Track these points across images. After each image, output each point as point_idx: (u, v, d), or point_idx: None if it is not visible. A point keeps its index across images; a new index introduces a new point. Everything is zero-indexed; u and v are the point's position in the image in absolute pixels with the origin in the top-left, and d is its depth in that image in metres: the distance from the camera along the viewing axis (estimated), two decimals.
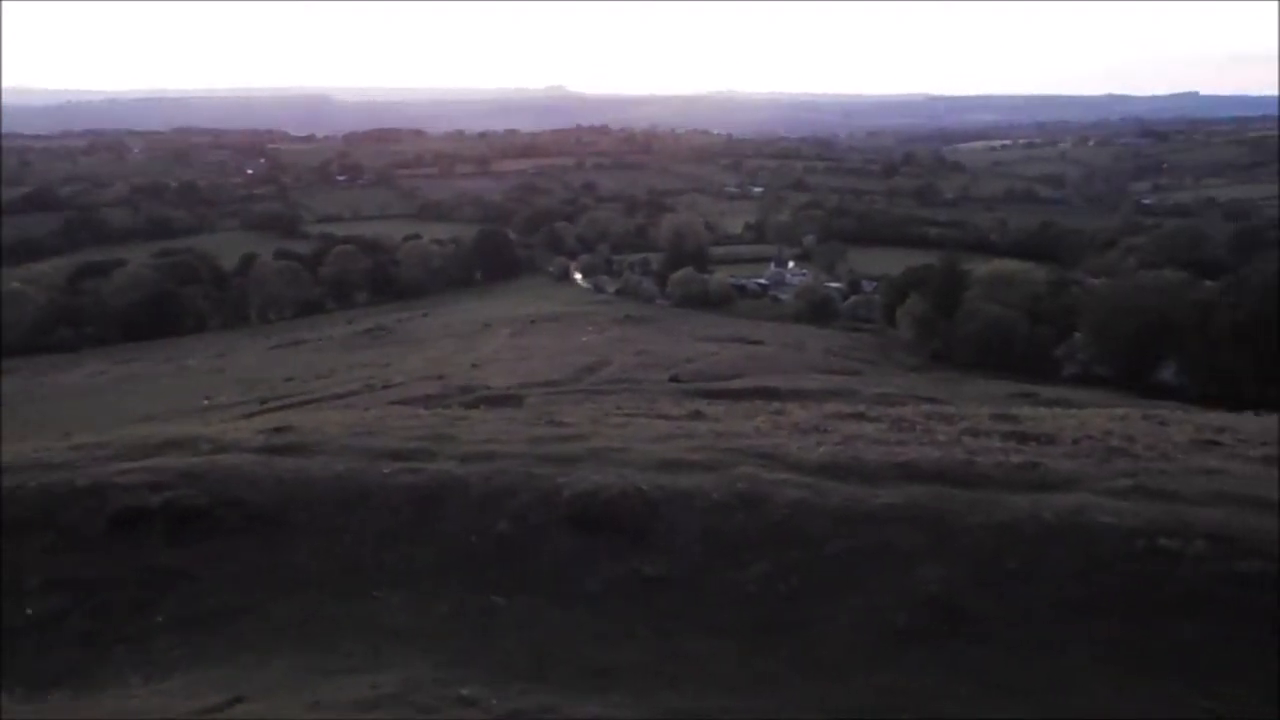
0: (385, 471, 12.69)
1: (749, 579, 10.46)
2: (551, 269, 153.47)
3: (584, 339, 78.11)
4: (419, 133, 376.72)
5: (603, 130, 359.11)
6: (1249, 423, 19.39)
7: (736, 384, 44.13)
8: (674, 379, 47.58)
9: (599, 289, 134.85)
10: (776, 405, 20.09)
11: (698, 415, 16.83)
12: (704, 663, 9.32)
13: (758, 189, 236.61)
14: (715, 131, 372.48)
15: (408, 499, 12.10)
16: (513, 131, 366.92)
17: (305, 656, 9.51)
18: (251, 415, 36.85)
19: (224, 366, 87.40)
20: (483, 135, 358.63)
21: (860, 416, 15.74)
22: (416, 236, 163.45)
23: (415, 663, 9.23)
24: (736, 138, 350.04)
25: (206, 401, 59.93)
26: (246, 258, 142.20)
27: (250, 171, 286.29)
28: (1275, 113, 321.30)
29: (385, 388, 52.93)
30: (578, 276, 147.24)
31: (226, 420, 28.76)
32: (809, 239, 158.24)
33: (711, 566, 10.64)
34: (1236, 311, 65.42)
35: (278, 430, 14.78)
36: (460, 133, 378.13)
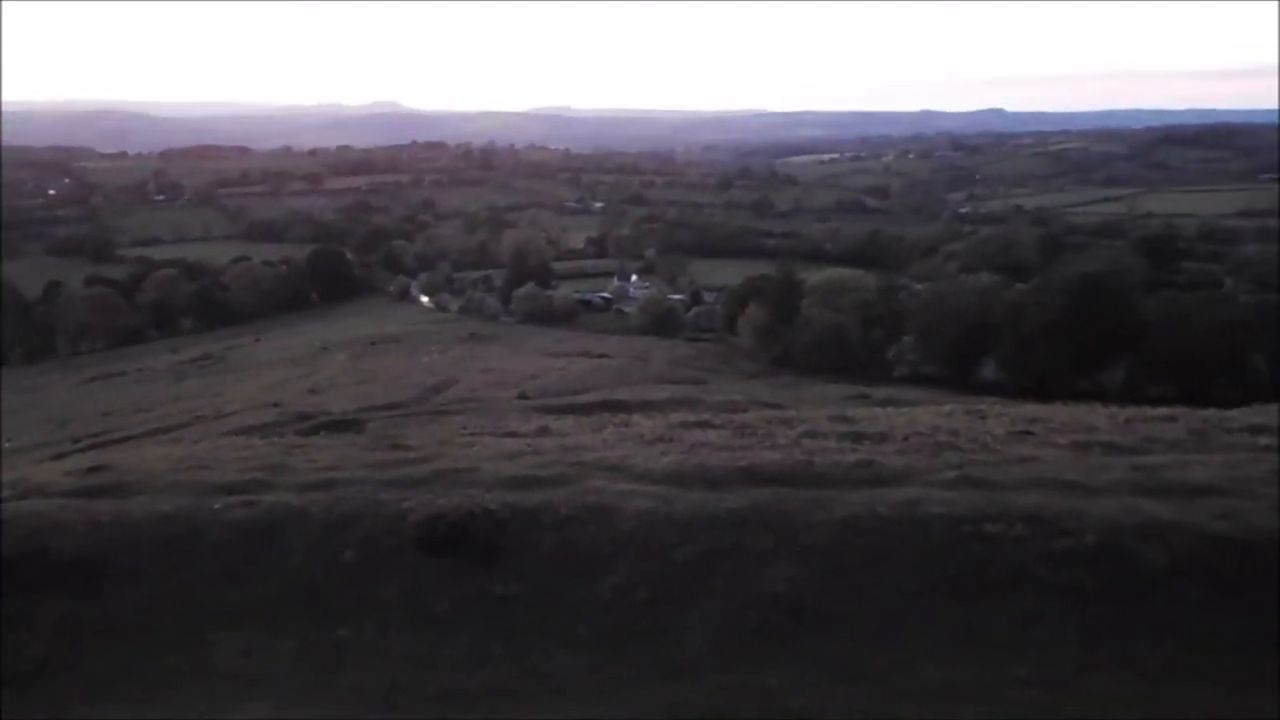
0: (216, 507, 12.02)
1: (602, 590, 10.50)
2: (391, 289, 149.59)
3: (427, 359, 76.61)
4: (243, 149, 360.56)
5: (439, 146, 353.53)
6: (1059, 412, 20.95)
7: (584, 398, 44.32)
8: (522, 396, 47.32)
9: (442, 308, 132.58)
10: (623, 417, 20.28)
11: (545, 431, 16.78)
12: (559, 677, 9.29)
13: (598, 204, 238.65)
14: (553, 147, 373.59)
15: (243, 534, 11.52)
16: (345, 148, 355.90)
17: (129, 710, 8.88)
18: (62, 456, 34.23)
19: (29, 404, 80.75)
20: (313, 152, 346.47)
21: (705, 424, 16.09)
22: (246, 258, 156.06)
23: (255, 706, 8.79)
24: (574, 153, 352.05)
25: (8, 443, 55.14)
26: (51, 284, 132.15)
27: (53, 191, 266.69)
28: (1072, 127, 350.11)
29: (216, 419, 50.30)
30: (419, 296, 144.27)
31: (32, 463, 26.57)
32: (650, 252, 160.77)
33: (564, 581, 10.62)
34: (1045, 310, 70.62)
35: (92, 470, 13.77)
36: (288, 149, 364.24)
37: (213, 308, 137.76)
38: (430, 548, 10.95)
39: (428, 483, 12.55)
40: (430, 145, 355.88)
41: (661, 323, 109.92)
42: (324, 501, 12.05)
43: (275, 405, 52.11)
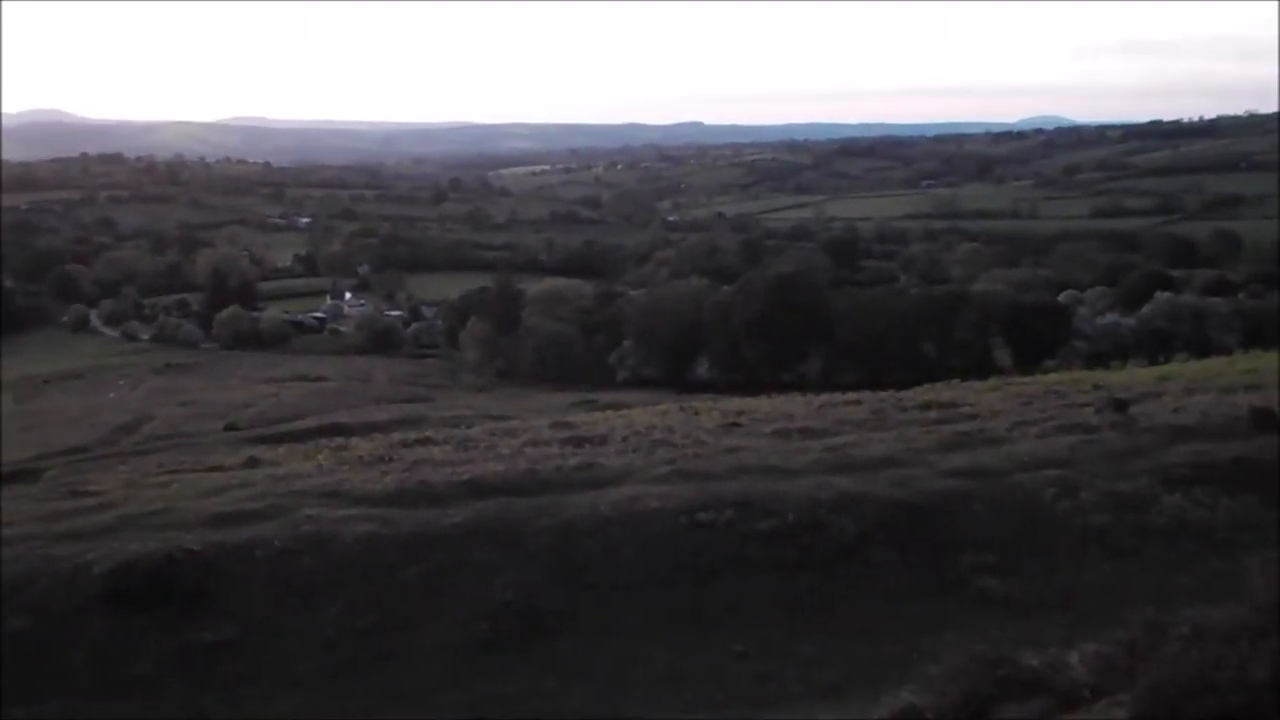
0: None
1: (325, 622, 10.02)
2: (66, 319, 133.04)
3: (115, 395, 69.24)
4: None
5: (116, 159, 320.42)
6: (763, 404, 22.61)
7: (301, 425, 41.98)
8: (229, 427, 44.03)
9: (130, 337, 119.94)
10: (342, 441, 19.46)
11: (254, 462, 15.75)
12: None
13: (305, 219, 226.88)
14: (251, 160, 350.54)
15: None
16: None
17: None
18: None
19: None
20: None
21: (427, 441, 15.81)
22: None
23: None
24: (276, 166, 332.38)
25: None
26: None
27: None
28: (763, 140, 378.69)
29: None
30: (101, 326, 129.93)
31: None
32: (364, 268, 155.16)
33: (283, 618, 10.02)
34: (748, 310, 75.75)
35: None
36: None
37: None
38: (122, 601, 9.90)
39: (114, 530, 11.37)
40: (105, 158, 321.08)
41: (381, 341, 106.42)
42: None
43: None
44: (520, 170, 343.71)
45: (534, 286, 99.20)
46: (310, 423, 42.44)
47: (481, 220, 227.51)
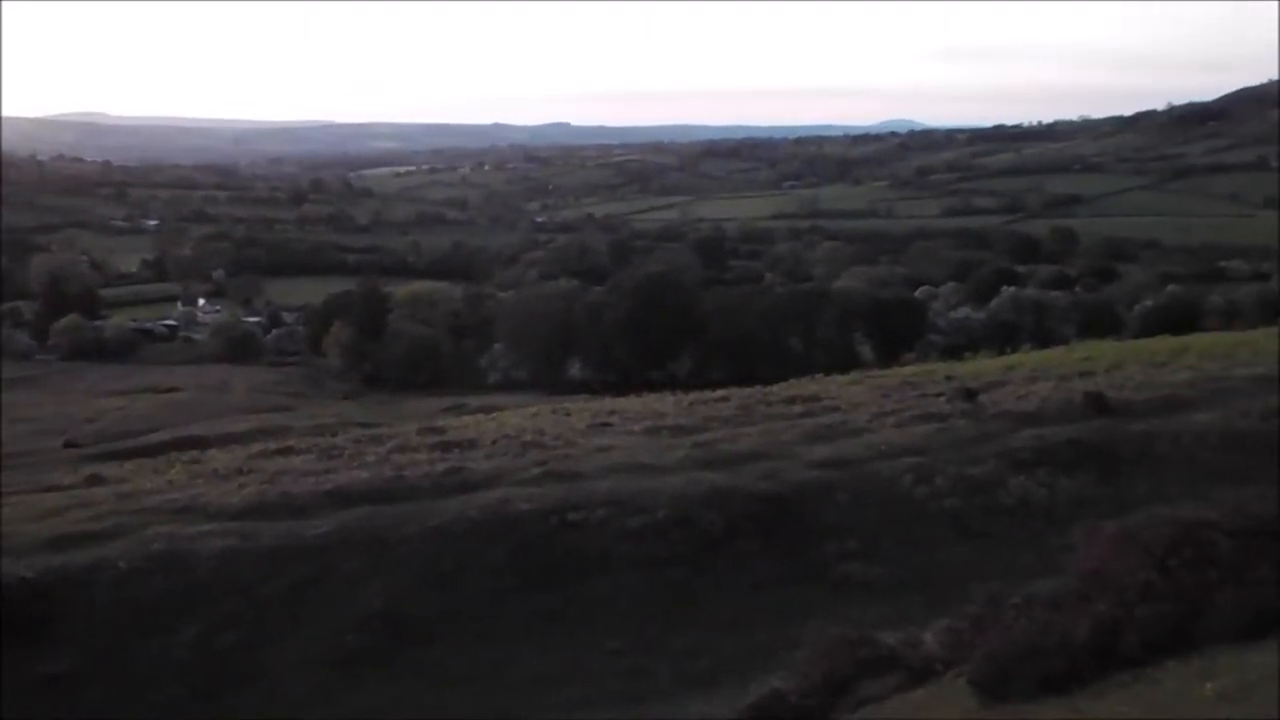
0: None
1: (180, 645, 9.55)
2: None
3: None
4: None
5: None
6: (634, 403, 22.76)
7: (152, 439, 39.77)
8: (70, 444, 41.34)
9: None
10: (196, 454, 18.54)
11: (96, 480, 14.83)
12: None
13: (152, 222, 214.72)
14: (89, 159, 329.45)
15: None
16: None
17: None
18: None
19: None
20: None
21: (288, 451, 15.25)
22: None
23: None
24: (117, 165, 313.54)
25: None
26: None
27: None
28: (630, 141, 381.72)
29: None
30: None
31: None
32: (219, 273, 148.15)
33: (131, 643, 9.49)
34: (619, 310, 76.19)
35: None
36: None
37: None
38: None
39: None
40: None
41: (239, 348, 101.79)
42: None
43: None
44: (384, 171, 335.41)
45: (400, 289, 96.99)
46: (162, 436, 40.27)
47: (344, 222, 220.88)
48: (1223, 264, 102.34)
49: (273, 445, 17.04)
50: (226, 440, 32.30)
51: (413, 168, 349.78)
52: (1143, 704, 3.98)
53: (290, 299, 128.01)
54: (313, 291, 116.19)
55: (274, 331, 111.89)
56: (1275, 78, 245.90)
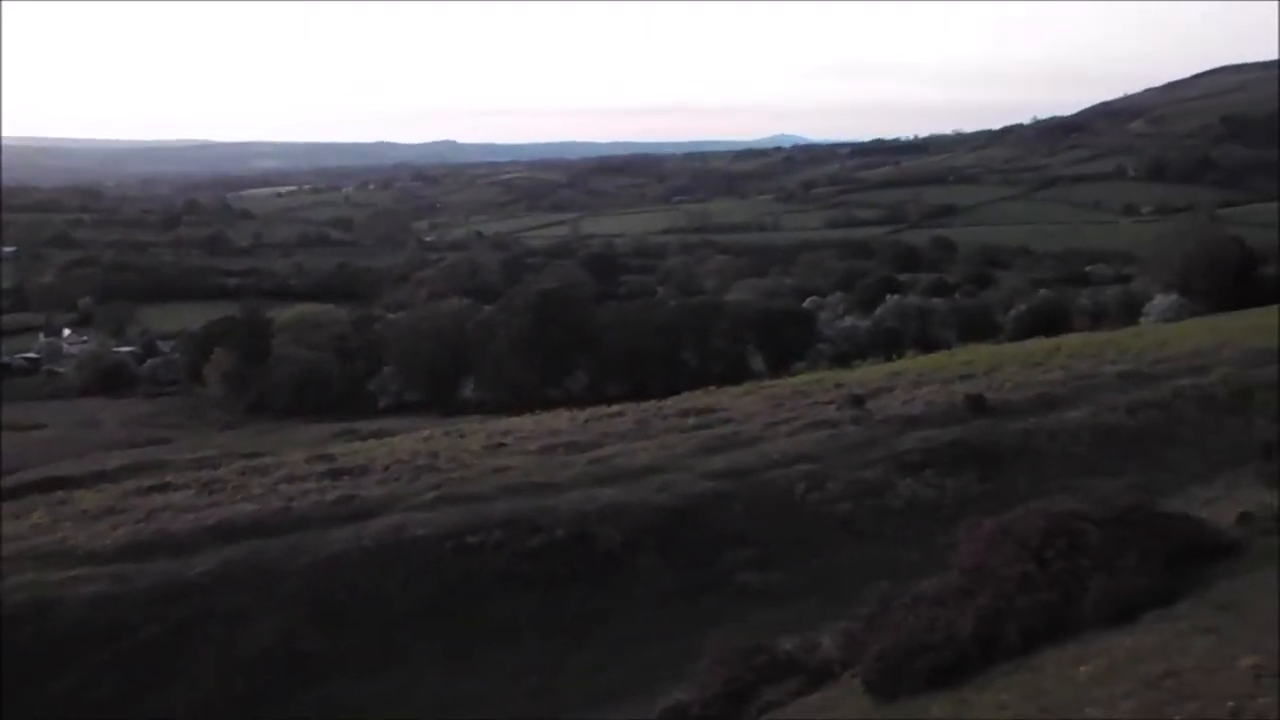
0: None
1: (52, 698, 9.00)
2: None
3: None
4: None
5: None
6: (529, 422, 22.60)
7: (11, 480, 37.38)
8: None
9: None
10: (63, 495, 17.49)
11: None
12: None
13: (8, 249, 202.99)
14: None
15: None
16: None
17: None
18: None
19: None
20: None
21: (165, 487, 14.55)
22: None
23: None
24: None
25: None
26: None
27: None
28: (519, 158, 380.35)
29: None
30: None
31: None
32: (86, 300, 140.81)
33: None
34: (512, 328, 75.59)
35: None
36: None
37: None
38: None
39: None
40: None
41: (109, 380, 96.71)
42: None
43: None
44: (264, 191, 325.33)
45: (284, 313, 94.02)
46: (25, 477, 37.87)
47: (222, 245, 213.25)
48: (1088, 268, 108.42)
49: (148, 481, 16.22)
50: (97, 479, 30.57)
51: (295, 187, 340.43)
52: (1023, 691, 4.14)
53: (166, 326, 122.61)
54: (190, 317, 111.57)
55: (149, 361, 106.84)
56: (1130, 93, 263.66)
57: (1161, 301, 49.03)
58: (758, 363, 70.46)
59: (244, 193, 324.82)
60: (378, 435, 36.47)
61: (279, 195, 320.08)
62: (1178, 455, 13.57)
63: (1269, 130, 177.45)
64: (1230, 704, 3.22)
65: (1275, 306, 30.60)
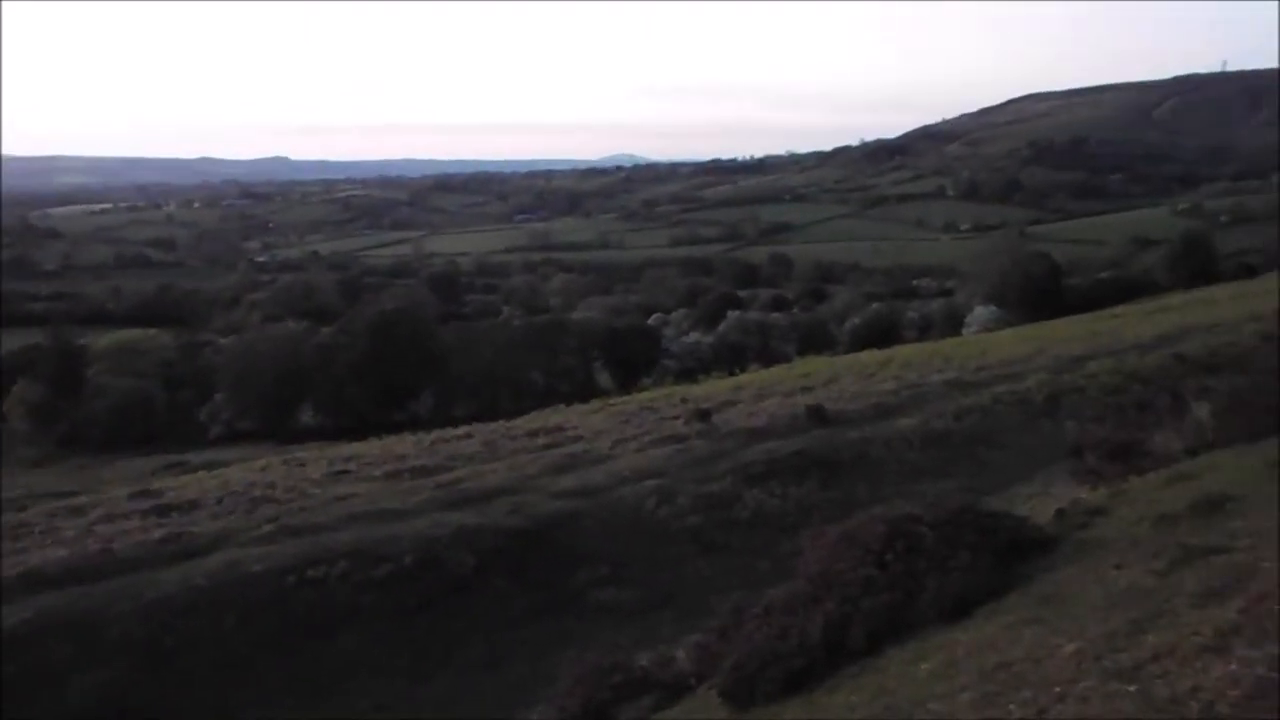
0: None
1: None
2: None
3: None
4: None
5: None
6: (373, 447, 21.91)
7: None
8: None
9: None
10: None
11: None
12: None
13: None
14: None
15: None
16: None
17: None
18: None
19: None
20: None
21: None
22: None
23: None
24: None
25: None
26: None
27: None
28: (355, 175, 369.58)
29: None
30: None
31: None
32: None
33: None
34: (352, 350, 73.18)
35: None
36: None
37: None
38: None
39: None
40: None
41: None
42: None
43: None
44: (75, 209, 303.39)
45: (100, 339, 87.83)
46: None
47: (27, 267, 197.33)
48: (915, 282, 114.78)
49: None
50: None
51: (109, 205, 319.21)
52: (870, 691, 4.31)
53: None
54: None
55: None
56: (948, 117, 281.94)
57: (981, 313, 52.44)
58: (605, 380, 70.92)
59: (51, 211, 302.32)
60: (209, 466, 34.49)
61: (92, 213, 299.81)
62: (999, 457, 14.49)
63: (1071, 153, 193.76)
64: (1057, 689, 3.44)
65: (1080, 316, 33.31)
